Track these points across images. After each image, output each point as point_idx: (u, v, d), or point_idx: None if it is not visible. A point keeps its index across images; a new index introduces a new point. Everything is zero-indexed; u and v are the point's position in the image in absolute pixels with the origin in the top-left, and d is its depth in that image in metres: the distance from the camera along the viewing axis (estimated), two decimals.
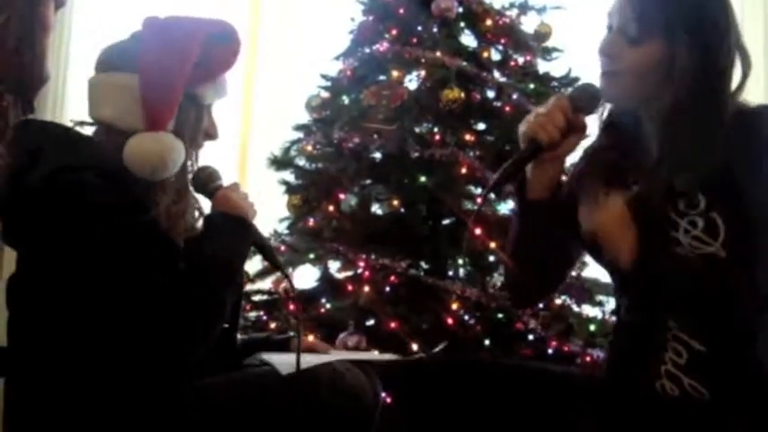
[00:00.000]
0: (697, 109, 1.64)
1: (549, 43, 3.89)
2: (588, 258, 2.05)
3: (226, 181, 1.96)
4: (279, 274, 3.49)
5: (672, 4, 1.67)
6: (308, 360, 1.83)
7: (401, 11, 3.69)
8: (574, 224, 1.76)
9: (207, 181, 1.93)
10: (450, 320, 3.12)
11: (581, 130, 1.74)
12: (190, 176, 1.90)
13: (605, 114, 1.82)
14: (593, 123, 1.81)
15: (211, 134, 1.95)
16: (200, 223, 1.91)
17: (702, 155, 1.61)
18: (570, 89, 1.78)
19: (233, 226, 1.85)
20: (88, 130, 1.88)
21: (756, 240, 1.56)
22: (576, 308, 3.35)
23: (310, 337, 2.29)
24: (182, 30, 1.83)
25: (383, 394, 1.94)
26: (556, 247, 1.82)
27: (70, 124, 1.88)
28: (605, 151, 1.80)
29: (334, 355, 1.99)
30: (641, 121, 1.75)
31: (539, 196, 1.77)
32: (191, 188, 1.91)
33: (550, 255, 1.82)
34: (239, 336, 2.13)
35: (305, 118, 3.83)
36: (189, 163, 1.89)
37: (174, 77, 1.79)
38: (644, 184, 1.70)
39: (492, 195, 3.52)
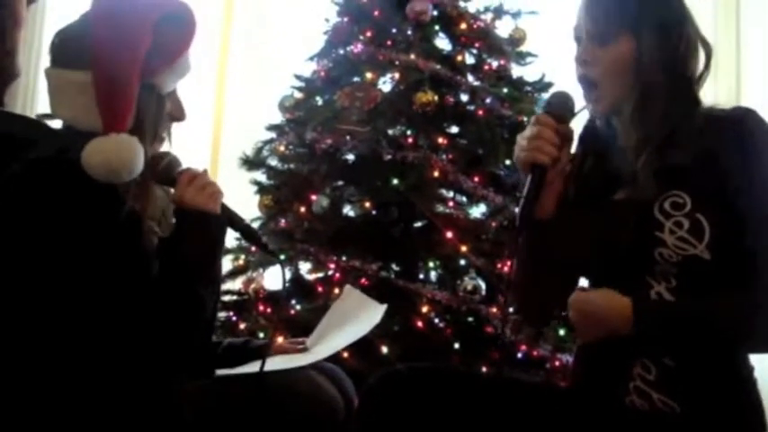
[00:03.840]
0: (666, 96, 1.67)
1: (524, 48, 3.90)
2: None
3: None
4: (249, 273, 3.48)
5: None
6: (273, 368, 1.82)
7: (376, 13, 3.69)
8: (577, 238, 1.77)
9: (166, 170, 1.85)
10: (420, 323, 3.12)
11: (571, 139, 1.75)
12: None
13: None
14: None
15: (177, 116, 1.89)
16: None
17: (677, 140, 1.64)
18: (544, 102, 1.78)
19: (199, 225, 1.79)
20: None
21: (755, 244, 1.58)
22: None
23: (280, 339, 2.28)
24: (130, 15, 1.75)
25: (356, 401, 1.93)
26: (566, 265, 1.81)
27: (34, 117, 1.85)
28: (583, 160, 1.81)
29: (299, 359, 1.98)
30: (616, 127, 1.76)
31: (547, 215, 1.76)
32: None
33: (562, 273, 1.82)
34: (215, 339, 2.12)
35: (278, 118, 3.82)
36: (150, 152, 1.81)
37: (127, 74, 1.71)
38: (628, 188, 1.71)
39: (464, 198, 3.53)
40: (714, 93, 1.71)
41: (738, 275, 1.58)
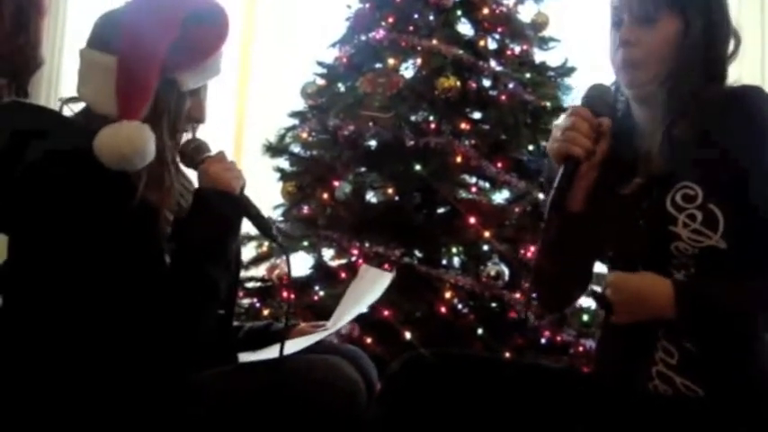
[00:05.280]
0: (700, 76, 1.66)
1: (546, 33, 3.87)
2: None
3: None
4: (272, 260, 3.50)
5: None
6: (294, 350, 1.83)
7: None
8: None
9: (193, 154, 1.88)
10: (443, 309, 3.12)
11: (607, 133, 1.72)
12: (174, 157, 1.86)
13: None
14: None
15: (196, 118, 1.90)
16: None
17: (706, 118, 1.62)
18: (583, 94, 1.76)
19: (216, 203, 1.81)
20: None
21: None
22: None
23: (302, 324, 2.29)
24: (163, 6, 1.77)
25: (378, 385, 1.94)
26: (590, 255, 1.83)
27: (58, 103, 1.86)
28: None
29: (316, 335, 2.00)
30: (637, 111, 1.75)
31: (579, 209, 1.75)
32: (179, 165, 1.88)
33: (585, 263, 1.83)
34: (237, 324, 2.13)
35: (300, 105, 3.82)
36: (171, 145, 1.83)
37: (146, 64, 1.73)
38: (644, 173, 1.71)
39: (486, 184, 3.52)
40: (738, 77, 1.69)
41: (757, 260, 1.57)
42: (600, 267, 1.86)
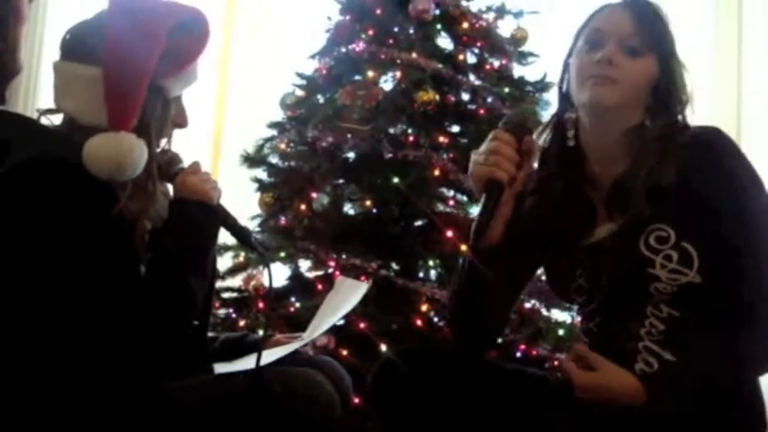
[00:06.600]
0: (665, 119, 1.71)
1: (525, 48, 3.91)
2: None
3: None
4: (249, 271, 3.49)
5: (662, 24, 1.75)
6: (269, 360, 1.83)
7: (378, 11, 3.68)
8: (524, 260, 1.84)
9: (167, 167, 1.87)
10: (419, 322, 3.12)
11: (531, 154, 1.78)
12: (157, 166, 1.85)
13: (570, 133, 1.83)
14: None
15: (179, 123, 1.90)
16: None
17: (665, 162, 1.65)
18: (502, 120, 1.79)
19: (194, 213, 1.81)
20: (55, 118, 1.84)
21: (739, 263, 1.60)
22: (545, 312, 3.35)
23: (278, 335, 2.29)
24: (148, 18, 1.77)
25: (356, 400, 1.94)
26: (507, 290, 1.85)
27: (36, 114, 1.85)
28: (554, 180, 1.82)
29: (292, 345, 2.00)
30: (607, 137, 1.77)
31: (495, 242, 1.79)
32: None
33: (502, 299, 1.85)
34: (212, 334, 2.12)
35: (279, 116, 3.82)
36: (154, 155, 1.82)
37: (138, 75, 1.72)
38: (613, 219, 1.74)
39: (464, 197, 3.53)
40: (715, 99, 1.70)
41: (729, 292, 1.60)
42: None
